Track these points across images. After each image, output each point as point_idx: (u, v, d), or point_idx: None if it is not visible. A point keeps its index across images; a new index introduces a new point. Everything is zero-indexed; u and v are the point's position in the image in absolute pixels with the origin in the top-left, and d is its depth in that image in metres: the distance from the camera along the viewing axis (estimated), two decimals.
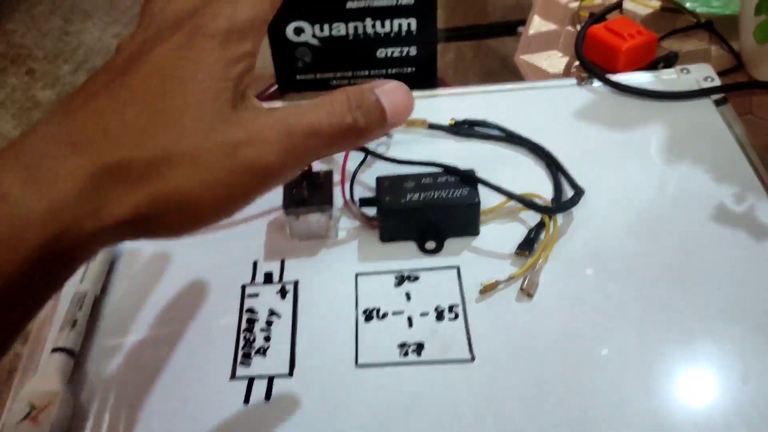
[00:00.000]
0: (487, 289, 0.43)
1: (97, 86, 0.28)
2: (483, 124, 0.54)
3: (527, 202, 0.46)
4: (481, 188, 0.46)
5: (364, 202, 0.47)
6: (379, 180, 0.47)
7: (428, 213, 0.46)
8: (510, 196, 0.46)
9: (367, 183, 0.51)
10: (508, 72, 0.69)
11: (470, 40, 0.81)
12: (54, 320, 0.44)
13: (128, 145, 0.27)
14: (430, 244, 0.47)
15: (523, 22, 0.70)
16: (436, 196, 0.45)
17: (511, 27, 0.77)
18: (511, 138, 0.53)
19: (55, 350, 0.41)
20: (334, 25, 0.56)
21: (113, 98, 0.28)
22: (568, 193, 0.49)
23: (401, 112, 0.31)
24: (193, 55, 0.29)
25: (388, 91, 0.31)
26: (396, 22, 0.56)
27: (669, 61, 0.60)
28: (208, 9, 0.30)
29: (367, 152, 0.51)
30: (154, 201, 0.27)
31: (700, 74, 0.57)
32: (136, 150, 0.27)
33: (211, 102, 0.28)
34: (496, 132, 0.54)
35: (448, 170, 0.47)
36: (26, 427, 0.37)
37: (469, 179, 0.46)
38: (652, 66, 0.60)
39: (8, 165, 0.26)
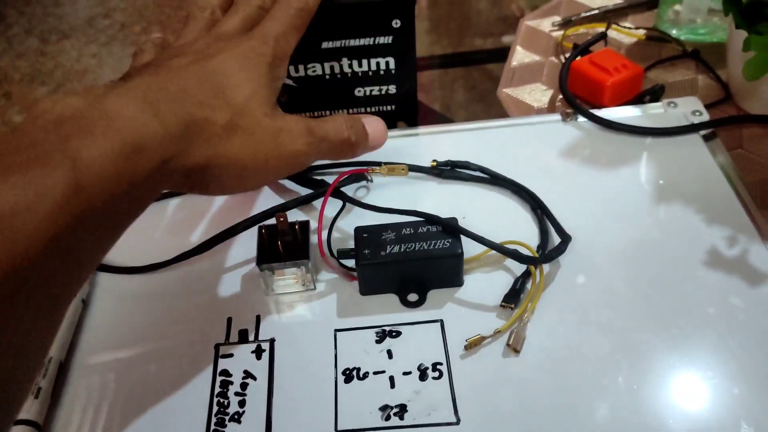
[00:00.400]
0: (472, 345, 0.42)
1: (182, 62, 0.37)
2: (465, 165, 0.52)
3: (512, 254, 0.44)
4: (464, 237, 0.44)
5: (343, 254, 0.45)
6: (358, 231, 0.45)
7: (409, 266, 0.44)
8: (494, 247, 0.44)
9: (346, 230, 0.49)
10: (494, 95, 0.67)
11: (454, 68, 0.80)
12: None
13: (212, 109, 0.36)
14: (413, 297, 0.45)
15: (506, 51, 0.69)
16: (417, 248, 0.44)
17: (496, 56, 0.75)
18: (495, 180, 0.51)
19: (18, 423, 0.38)
20: (310, 65, 0.54)
21: (197, 74, 0.37)
22: (555, 237, 0.47)
23: (378, 137, 0.46)
24: (252, 65, 0.39)
25: (370, 121, 0.46)
26: (374, 61, 0.54)
27: (655, 94, 0.58)
28: (260, 36, 0.40)
29: (345, 199, 0.49)
30: (218, 158, 0.36)
31: (688, 108, 0.56)
32: (216, 114, 0.36)
33: (265, 98, 0.39)
34: (479, 173, 0.52)
35: (430, 219, 0.45)
36: None
37: (451, 229, 0.44)
38: (638, 99, 0.59)
39: (129, 93, 0.33)
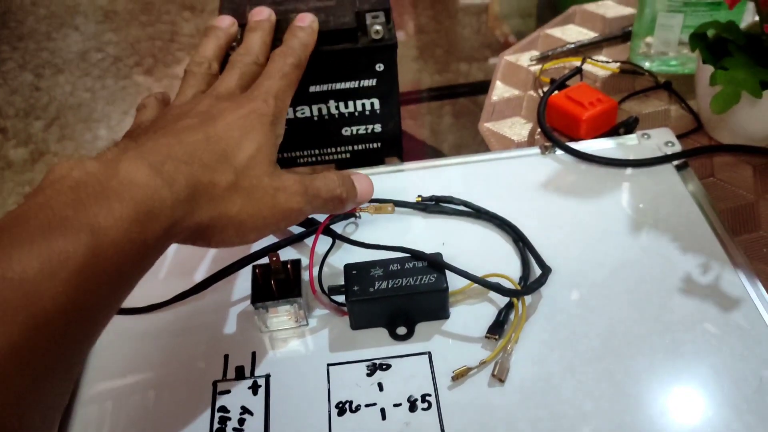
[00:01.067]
0: (459, 376, 0.44)
1: (188, 124, 0.40)
2: (449, 200, 0.55)
3: (495, 287, 0.46)
4: (449, 271, 0.46)
5: (333, 290, 0.47)
6: (347, 268, 0.47)
7: (397, 300, 0.46)
8: (477, 281, 0.46)
9: (336, 266, 0.51)
10: (474, 135, 0.70)
11: (441, 100, 0.82)
12: None
13: (216, 171, 0.38)
14: (401, 330, 0.47)
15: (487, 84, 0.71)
16: (404, 284, 0.46)
17: (480, 86, 0.78)
18: (478, 213, 0.54)
19: None
20: (298, 108, 0.56)
21: (202, 137, 0.39)
22: (536, 269, 0.49)
23: (366, 192, 0.49)
24: (253, 126, 0.42)
25: (359, 178, 0.48)
26: (359, 102, 0.56)
27: (629, 126, 0.61)
28: (260, 97, 0.44)
29: (335, 237, 0.52)
30: (221, 217, 0.38)
31: (661, 139, 0.59)
32: (220, 176, 0.38)
33: (266, 157, 0.41)
34: (462, 208, 0.54)
35: (415, 256, 0.47)
36: None
37: (436, 264, 0.46)
38: (613, 131, 0.61)
39: (136, 161, 0.35)
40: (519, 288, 0.47)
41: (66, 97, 2.02)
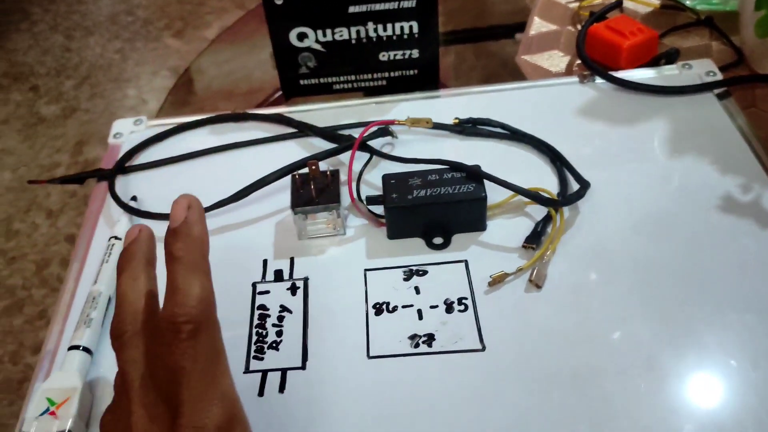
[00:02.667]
0: (496, 281, 0.44)
1: None
2: (487, 122, 0.55)
3: (533, 195, 0.46)
4: (487, 184, 0.46)
5: (371, 200, 0.48)
6: (385, 178, 0.47)
7: (435, 209, 0.46)
8: (516, 190, 0.46)
9: (373, 183, 0.51)
10: (508, 74, 0.70)
11: (470, 43, 0.82)
12: (69, 320, 0.45)
13: None
14: (438, 240, 0.47)
15: (521, 26, 0.71)
16: (442, 192, 0.46)
17: (511, 30, 0.77)
18: (514, 135, 0.54)
19: (71, 348, 0.41)
20: (337, 29, 0.57)
21: None
22: (574, 188, 0.49)
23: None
24: None
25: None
26: (398, 25, 0.56)
27: (670, 57, 0.60)
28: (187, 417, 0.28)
29: (372, 152, 0.52)
30: None
31: (702, 69, 0.58)
32: None
33: None
34: (499, 130, 0.54)
35: (454, 167, 0.47)
36: (46, 422, 0.37)
37: (474, 175, 0.47)
38: (653, 63, 0.61)
39: None
40: (557, 198, 0.47)
41: (96, 58, 2.04)
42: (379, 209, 0.48)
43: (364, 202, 0.48)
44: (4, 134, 1.82)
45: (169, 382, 0.29)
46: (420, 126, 0.52)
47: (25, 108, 1.90)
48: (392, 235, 0.48)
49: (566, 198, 0.47)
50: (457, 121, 0.55)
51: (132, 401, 0.30)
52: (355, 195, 0.49)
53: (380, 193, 0.47)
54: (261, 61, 0.81)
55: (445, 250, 0.47)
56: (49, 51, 2.08)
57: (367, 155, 0.52)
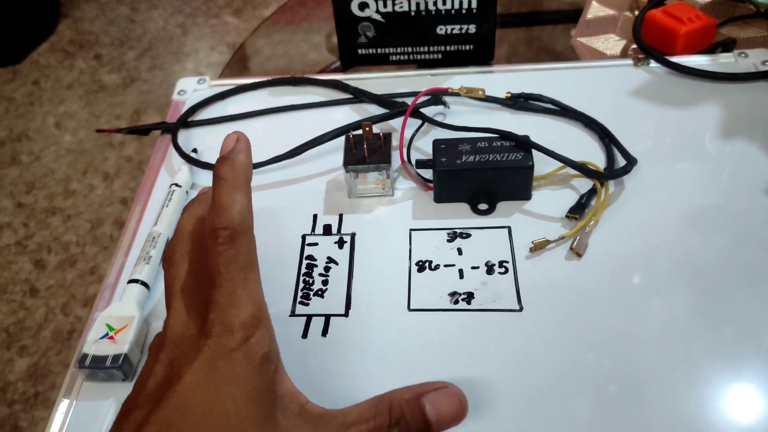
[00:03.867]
0: (538, 247, 0.45)
1: (148, 407, 0.29)
2: (538, 98, 0.56)
3: (580, 167, 0.47)
4: (535, 155, 0.48)
5: (421, 164, 0.49)
6: (436, 142, 0.49)
7: (482, 175, 0.47)
8: (563, 160, 0.47)
9: (423, 149, 0.53)
10: (560, 59, 0.71)
11: (524, 27, 0.83)
12: (129, 257, 0.48)
13: None
14: (483, 206, 0.49)
15: (578, 14, 0.71)
16: (490, 159, 0.47)
17: (567, 17, 0.78)
18: (565, 112, 0.55)
19: (131, 281, 0.44)
20: (398, 1, 0.58)
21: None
22: (621, 163, 0.50)
23: (447, 424, 0.31)
24: (222, 374, 0.29)
25: (436, 401, 0.31)
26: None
27: (727, 46, 0.60)
28: (217, 327, 0.30)
29: (424, 119, 0.54)
30: None
31: (758, 58, 0.58)
32: None
33: (256, 411, 0.29)
34: (550, 106, 0.55)
35: (504, 135, 0.49)
36: (105, 345, 0.40)
37: (523, 144, 0.48)
38: (709, 50, 0.61)
39: None
40: (604, 172, 0.48)
41: (158, 30, 2.10)
42: (428, 173, 0.49)
43: (414, 165, 0.50)
44: (68, 99, 1.89)
45: (206, 288, 0.32)
46: (473, 95, 0.53)
47: (88, 75, 1.96)
48: (439, 198, 0.49)
49: (613, 172, 0.48)
50: (509, 95, 0.56)
51: (171, 308, 0.33)
52: (405, 158, 0.51)
53: (430, 158, 0.49)
54: (315, 44, 0.83)
55: (490, 216, 0.48)
56: (115, 21, 2.15)
57: (418, 122, 0.54)
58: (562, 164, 0.48)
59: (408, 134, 0.53)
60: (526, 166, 0.47)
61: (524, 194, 0.49)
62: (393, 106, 0.56)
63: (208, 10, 2.16)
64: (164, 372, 0.30)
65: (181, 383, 0.29)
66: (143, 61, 1.98)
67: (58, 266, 1.48)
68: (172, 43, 2.03)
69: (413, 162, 0.50)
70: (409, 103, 0.54)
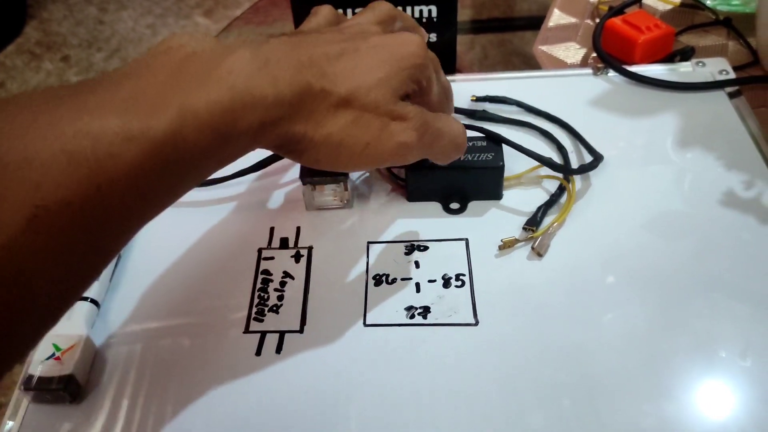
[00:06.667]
0: (507, 246, 0.45)
1: (329, 38, 0.37)
2: (502, 100, 0.57)
3: (548, 162, 0.49)
4: (506, 156, 0.48)
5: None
6: None
7: (453, 174, 0.48)
8: (531, 155, 0.49)
9: None
10: (525, 65, 0.71)
11: (493, 33, 0.83)
12: None
13: (334, 82, 0.34)
14: (455, 205, 0.49)
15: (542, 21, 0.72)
16: (462, 159, 0.47)
17: (532, 24, 0.78)
18: (525, 123, 0.55)
19: (79, 299, 0.43)
20: (356, 10, 0.58)
21: (335, 52, 0.36)
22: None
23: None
24: (394, 58, 0.37)
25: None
26: (417, 8, 0.57)
27: (685, 54, 0.61)
28: (416, 42, 0.38)
29: None
30: (319, 132, 0.35)
31: (716, 67, 0.59)
32: (334, 87, 0.34)
33: (391, 88, 0.36)
34: (515, 107, 0.56)
35: (472, 126, 0.50)
36: (50, 366, 0.39)
37: (493, 138, 0.49)
38: (668, 59, 0.61)
39: (251, 52, 0.32)
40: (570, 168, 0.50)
41: (128, 31, 2.07)
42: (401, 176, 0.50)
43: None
44: None
45: None
46: None
47: (56, 77, 1.93)
48: (412, 197, 0.49)
49: (580, 167, 0.50)
50: (474, 98, 0.56)
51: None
52: None
53: None
54: None
55: (460, 215, 0.48)
56: (83, 22, 2.12)
57: None
58: (533, 166, 0.49)
59: None
60: (497, 166, 0.47)
61: (495, 194, 0.49)
62: None
63: (179, 11, 2.14)
64: (360, 31, 0.39)
65: (370, 40, 0.37)
66: (112, 63, 1.95)
67: None
68: (141, 44, 2.01)
69: None
70: None
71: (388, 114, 0.36)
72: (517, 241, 0.45)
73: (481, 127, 0.50)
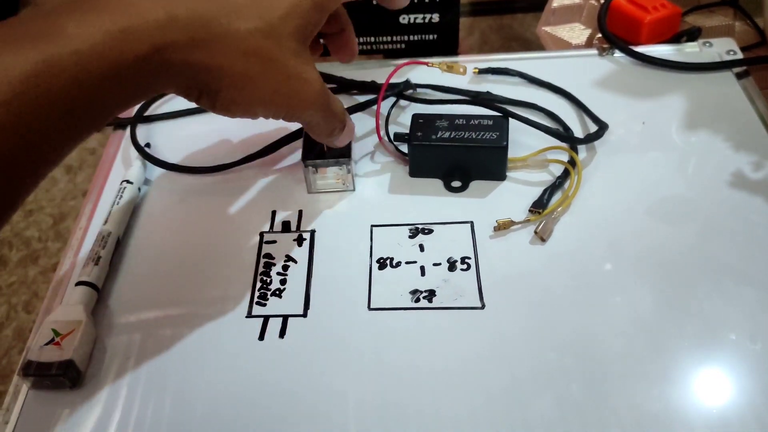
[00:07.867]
0: (501, 227, 0.45)
1: None
2: (505, 71, 0.56)
3: (555, 132, 0.48)
4: (512, 139, 0.47)
5: (398, 137, 0.49)
6: (415, 117, 0.48)
7: (456, 151, 0.47)
8: (537, 126, 0.48)
9: (403, 123, 0.53)
10: (526, 48, 0.70)
11: (492, 16, 0.82)
12: (79, 258, 0.46)
13: (238, 16, 0.33)
14: (456, 183, 0.48)
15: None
16: (465, 136, 0.46)
17: (536, 5, 0.77)
18: (533, 82, 0.55)
19: (79, 284, 0.42)
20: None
21: None
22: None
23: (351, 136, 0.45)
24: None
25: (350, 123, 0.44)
26: None
27: (692, 35, 0.60)
28: None
29: (399, 95, 0.54)
30: (230, 67, 0.33)
31: (723, 48, 0.58)
32: (241, 21, 0.33)
33: (299, 31, 0.36)
34: (517, 89, 0.55)
35: (476, 101, 0.50)
36: (50, 351, 0.38)
37: (499, 112, 0.49)
38: (674, 39, 0.60)
39: None
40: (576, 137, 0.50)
41: None
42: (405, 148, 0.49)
43: (392, 140, 0.50)
44: None
45: None
46: (455, 72, 0.53)
47: None
48: (413, 172, 0.49)
49: (586, 137, 0.49)
50: (476, 70, 0.56)
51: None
52: (383, 132, 0.50)
53: (407, 132, 0.48)
54: None
55: (461, 194, 0.47)
56: None
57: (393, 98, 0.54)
58: (538, 149, 0.48)
59: (385, 112, 0.52)
60: (500, 146, 0.46)
61: (499, 175, 0.48)
62: (363, 87, 0.55)
63: None
64: None
65: None
66: None
67: (20, 263, 1.44)
68: None
69: (391, 135, 0.50)
70: (373, 95, 0.53)
71: (295, 69, 0.36)
72: (512, 222, 0.45)
73: (485, 99, 0.49)
